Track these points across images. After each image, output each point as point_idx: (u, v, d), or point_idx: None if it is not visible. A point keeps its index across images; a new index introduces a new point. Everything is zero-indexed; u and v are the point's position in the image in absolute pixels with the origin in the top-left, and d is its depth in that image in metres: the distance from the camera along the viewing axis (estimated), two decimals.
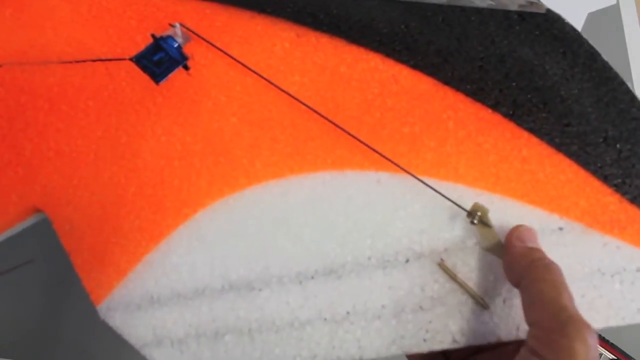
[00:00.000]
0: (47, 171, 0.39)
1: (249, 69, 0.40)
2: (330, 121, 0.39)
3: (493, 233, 0.37)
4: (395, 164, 0.38)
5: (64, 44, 0.42)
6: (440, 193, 0.38)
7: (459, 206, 0.38)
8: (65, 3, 0.43)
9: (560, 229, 0.38)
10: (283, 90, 0.40)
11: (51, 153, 0.40)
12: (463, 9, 0.42)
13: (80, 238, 0.38)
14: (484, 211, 0.37)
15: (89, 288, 0.38)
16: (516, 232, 0.37)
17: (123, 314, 0.38)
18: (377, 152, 0.39)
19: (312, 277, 0.38)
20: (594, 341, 0.29)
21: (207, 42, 0.41)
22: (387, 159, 0.39)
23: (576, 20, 0.59)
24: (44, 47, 0.42)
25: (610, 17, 0.61)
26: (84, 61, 0.41)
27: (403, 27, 0.42)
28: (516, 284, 0.35)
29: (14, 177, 0.39)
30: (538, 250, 0.35)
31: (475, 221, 0.37)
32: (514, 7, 0.42)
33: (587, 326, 0.30)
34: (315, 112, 0.39)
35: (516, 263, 0.35)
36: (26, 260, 0.42)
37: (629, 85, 0.40)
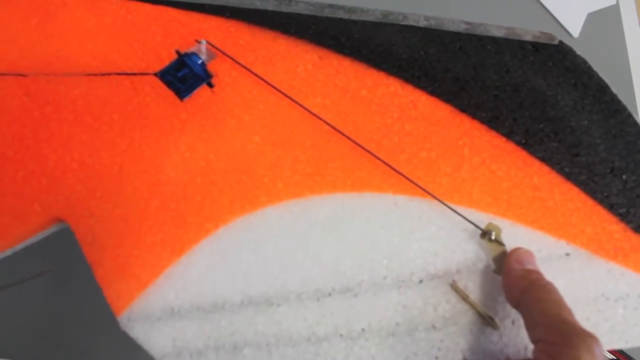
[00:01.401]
0: (70, 182, 0.40)
1: (274, 87, 0.41)
2: (354, 142, 0.41)
3: (505, 253, 0.39)
4: (419, 186, 0.40)
5: (89, 56, 0.42)
6: (458, 213, 0.39)
7: (476, 225, 0.39)
8: (90, 15, 0.43)
9: (567, 254, 0.40)
10: (307, 110, 0.41)
11: (75, 164, 0.40)
12: (480, 37, 0.44)
13: (102, 249, 0.39)
14: (498, 230, 0.39)
15: (110, 299, 0.38)
16: (514, 255, 0.38)
17: (143, 325, 0.38)
18: (400, 173, 0.40)
19: (330, 295, 0.39)
20: (599, 350, 0.31)
21: (233, 59, 0.42)
22: (412, 182, 0.40)
23: (576, 20, 0.60)
24: (69, 58, 0.42)
25: (610, 17, 0.61)
26: (109, 74, 0.42)
27: (422, 54, 0.43)
28: (515, 304, 0.36)
29: (38, 187, 0.40)
30: (535, 272, 0.37)
31: (492, 238, 0.39)
32: (528, 37, 0.44)
33: (591, 336, 0.31)
34: (340, 132, 0.41)
35: (515, 285, 0.37)
36: (47, 268, 0.43)
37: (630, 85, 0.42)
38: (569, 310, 0.33)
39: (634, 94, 0.53)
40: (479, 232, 0.39)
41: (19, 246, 0.40)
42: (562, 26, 0.49)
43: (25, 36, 0.43)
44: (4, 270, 0.41)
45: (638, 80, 0.54)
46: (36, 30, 0.43)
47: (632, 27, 0.59)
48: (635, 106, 0.51)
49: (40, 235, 0.41)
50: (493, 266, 0.39)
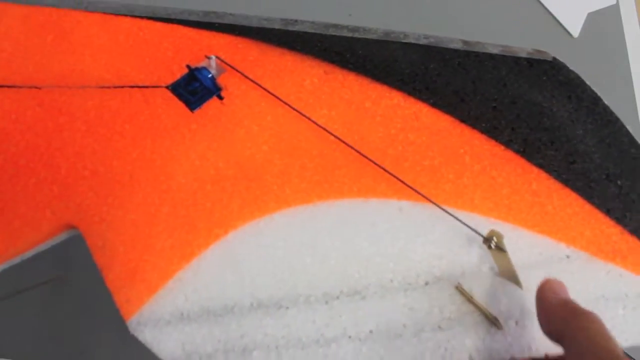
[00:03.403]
0: (82, 189, 0.41)
1: (281, 100, 0.43)
2: (358, 152, 0.42)
3: (507, 258, 0.40)
4: (421, 194, 0.41)
5: (102, 70, 0.44)
6: (459, 220, 0.41)
7: (477, 232, 0.40)
8: (104, 32, 0.45)
9: (567, 256, 0.41)
10: (313, 121, 0.42)
11: (87, 172, 0.41)
12: (477, 54, 0.46)
13: (113, 254, 0.39)
14: (499, 237, 0.40)
15: (119, 303, 0.39)
16: (547, 285, 0.37)
17: (153, 329, 0.38)
18: (401, 181, 0.41)
19: (338, 297, 0.39)
20: None
21: (241, 73, 0.44)
22: (414, 189, 0.41)
23: (576, 20, 0.61)
24: (83, 72, 0.44)
25: (610, 17, 0.62)
26: (122, 87, 0.43)
27: (423, 68, 0.45)
28: (558, 335, 0.35)
29: (50, 194, 0.41)
30: (573, 301, 0.36)
31: (492, 246, 0.40)
32: (522, 54, 0.46)
33: None
34: (344, 142, 0.42)
35: (555, 315, 0.35)
36: (56, 276, 0.43)
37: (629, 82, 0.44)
38: (614, 342, 0.32)
39: (634, 94, 0.54)
40: (485, 234, 0.41)
41: (28, 254, 0.41)
42: (562, 26, 0.51)
43: (41, 52, 0.44)
44: (11, 278, 0.41)
45: (638, 80, 0.55)
46: (51, 46, 0.44)
47: (632, 27, 0.60)
48: (636, 106, 0.52)
49: (48, 244, 0.41)
50: (497, 269, 0.40)
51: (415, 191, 0.41)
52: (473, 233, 0.41)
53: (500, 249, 0.40)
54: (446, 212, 0.41)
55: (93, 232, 0.40)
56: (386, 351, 0.39)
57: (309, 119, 0.43)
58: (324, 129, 0.43)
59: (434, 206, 0.41)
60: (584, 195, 0.42)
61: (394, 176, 0.41)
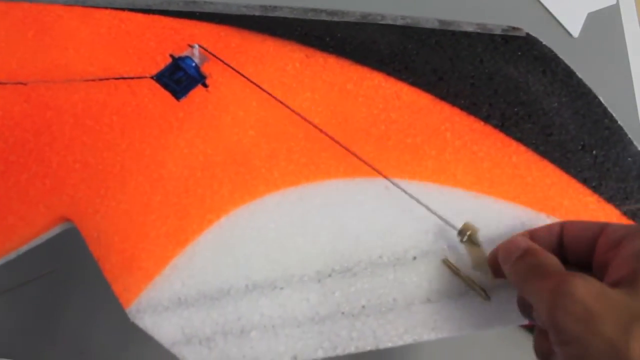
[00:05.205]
0: (74, 182, 0.41)
1: (261, 88, 0.44)
2: (333, 139, 0.43)
3: (481, 252, 0.40)
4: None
5: (86, 63, 0.44)
6: (431, 210, 0.41)
7: (450, 225, 0.41)
8: (85, 26, 0.45)
9: None
10: (291, 109, 0.43)
11: (77, 165, 0.42)
12: (453, 32, 0.47)
13: (108, 245, 0.40)
14: (474, 230, 0.40)
15: (117, 291, 0.40)
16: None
17: (152, 315, 0.39)
18: (368, 163, 0.43)
19: (330, 275, 0.41)
20: None
21: (223, 62, 0.44)
22: (380, 171, 0.42)
23: (576, 20, 0.62)
24: (67, 66, 0.44)
25: (610, 17, 0.62)
26: (107, 79, 0.44)
27: (401, 48, 0.46)
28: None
29: (42, 188, 0.41)
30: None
31: (465, 239, 0.40)
32: (497, 31, 0.47)
33: None
34: (321, 130, 0.43)
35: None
36: (48, 270, 0.44)
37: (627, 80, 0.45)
38: None
39: (634, 94, 0.55)
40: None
41: (23, 248, 0.42)
42: (562, 26, 0.52)
43: (23, 47, 0.44)
44: (7, 273, 0.42)
45: (638, 80, 0.56)
46: (33, 41, 0.45)
47: (632, 27, 0.61)
48: (636, 106, 0.53)
49: (42, 237, 0.42)
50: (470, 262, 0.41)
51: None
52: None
53: (473, 242, 0.40)
54: (419, 202, 0.42)
55: (87, 223, 0.41)
56: (378, 325, 0.40)
57: (288, 106, 0.44)
58: (302, 116, 0.44)
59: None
60: (561, 166, 0.44)
61: (359, 157, 0.43)
